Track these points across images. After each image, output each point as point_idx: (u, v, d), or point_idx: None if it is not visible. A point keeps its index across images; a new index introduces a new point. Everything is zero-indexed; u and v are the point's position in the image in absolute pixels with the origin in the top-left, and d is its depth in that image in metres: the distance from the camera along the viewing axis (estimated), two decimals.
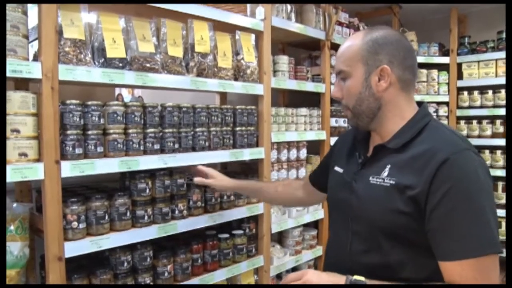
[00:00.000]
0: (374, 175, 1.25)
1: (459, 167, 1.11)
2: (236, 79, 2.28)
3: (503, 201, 3.73)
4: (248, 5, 2.36)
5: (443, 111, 4.15)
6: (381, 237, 1.21)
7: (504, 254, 1.57)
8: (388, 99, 1.27)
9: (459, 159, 1.12)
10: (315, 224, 3.07)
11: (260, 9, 2.36)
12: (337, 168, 1.46)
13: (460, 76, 4.09)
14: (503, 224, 3.59)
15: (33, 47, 1.64)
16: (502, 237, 3.72)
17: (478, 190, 1.11)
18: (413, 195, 1.14)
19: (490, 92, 3.89)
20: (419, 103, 1.33)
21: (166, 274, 1.94)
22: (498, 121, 3.85)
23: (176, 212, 1.98)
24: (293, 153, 2.76)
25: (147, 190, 1.87)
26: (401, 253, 1.19)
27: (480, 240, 1.08)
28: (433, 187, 1.11)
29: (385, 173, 1.22)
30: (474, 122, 4.00)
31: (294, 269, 2.76)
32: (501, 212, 3.58)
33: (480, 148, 3.93)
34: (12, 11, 1.44)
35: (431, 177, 1.12)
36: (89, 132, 1.67)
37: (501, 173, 3.77)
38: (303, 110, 2.85)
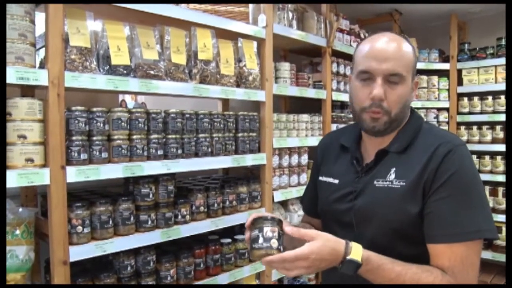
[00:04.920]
0: (379, 178, 1.27)
1: (461, 157, 1.19)
2: (238, 85, 2.31)
3: (503, 206, 3.74)
4: (250, 12, 2.40)
5: (443, 117, 4.18)
6: (394, 238, 1.22)
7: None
8: None
9: (461, 151, 1.20)
10: None
11: (262, 17, 2.39)
12: (328, 179, 1.43)
13: (460, 82, 4.12)
14: (503, 229, 3.60)
15: (40, 54, 1.67)
16: (502, 242, 3.74)
17: (474, 181, 1.19)
18: (423, 188, 1.18)
19: (490, 98, 3.92)
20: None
21: (169, 278, 1.96)
22: (498, 127, 3.87)
23: (179, 217, 2.01)
24: (295, 159, 2.79)
25: (151, 195, 1.90)
26: (413, 251, 1.20)
27: (471, 225, 1.14)
28: (437, 175, 1.17)
29: (392, 176, 1.25)
30: (474, 127, 4.02)
31: None
32: (501, 218, 3.60)
33: (480, 154, 3.96)
34: (20, 20, 1.47)
35: (437, 166, 1.17)
36: (94, 138, 1.70)
37: (502, 178, 3.79)
38: (305, 116, 2.88)
